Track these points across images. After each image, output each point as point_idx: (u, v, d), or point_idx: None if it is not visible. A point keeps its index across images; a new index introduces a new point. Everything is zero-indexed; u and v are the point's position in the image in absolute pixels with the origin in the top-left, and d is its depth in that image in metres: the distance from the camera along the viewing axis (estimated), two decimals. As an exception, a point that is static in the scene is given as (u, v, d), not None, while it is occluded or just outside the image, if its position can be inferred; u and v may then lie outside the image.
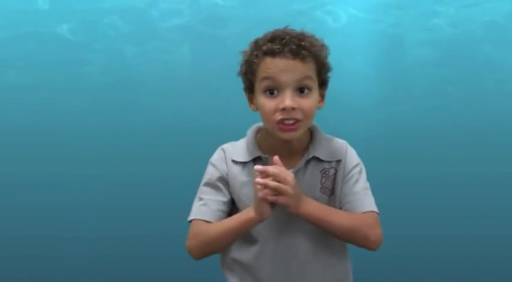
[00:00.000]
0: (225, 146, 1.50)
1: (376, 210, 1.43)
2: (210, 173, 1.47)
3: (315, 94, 1.35)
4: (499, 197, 3.04)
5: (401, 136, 3.10)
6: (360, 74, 3.05)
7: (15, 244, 3.04)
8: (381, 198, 2.87)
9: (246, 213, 1.33)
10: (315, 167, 1.42)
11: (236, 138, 1.51)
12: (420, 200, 3.05)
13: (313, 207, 1.34)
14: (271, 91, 1.33)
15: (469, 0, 3.05)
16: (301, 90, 1.33)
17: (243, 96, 1.46)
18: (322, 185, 1.42)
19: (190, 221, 1.44)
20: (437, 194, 3.05)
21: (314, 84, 1.34)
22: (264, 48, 1.33)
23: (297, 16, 3.00)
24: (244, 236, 1.40)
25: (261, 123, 1.45)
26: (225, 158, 1.47)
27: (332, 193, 1.42)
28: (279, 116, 1.32)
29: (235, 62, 1.42)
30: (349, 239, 1.39)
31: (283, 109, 1.30)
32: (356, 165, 1.45)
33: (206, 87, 2.95)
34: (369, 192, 1.45)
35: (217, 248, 1.41)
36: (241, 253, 1.44)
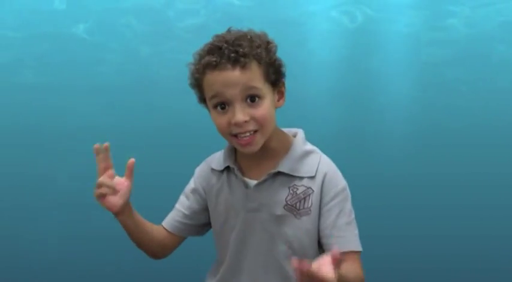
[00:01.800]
0: (211, 156, 1.51)
1: (358, 248, 1.34)
2: (190, 182, 1.52)
3: (267, 99, 1.28)
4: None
5: (414, 136, 3.09)
6: (375, 73, 3.06)
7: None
8: (391, 199, 2.91)
9: None
10: (283, 182, 1.34)
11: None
12: (432, 200, 3.05)
13: None
14: (221, 106, 1.28)
15: (484, 0, 3.05)
16: (251, 99, 1.26)
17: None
18: (286, 202, 1.33)
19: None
20: (450, 194, 3.05)
21: (263, 90, 1.27)
22: (203, 62, 1.27)
23: (313, 16, 3.00)
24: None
25: None
26: (207, 169, 1.48)
27: (305, 215, 1.33)
28: (233, 131, 1.28)
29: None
30: None
31: (236, 124, 1.26)
32: (340, 192, 1.34)
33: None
34: (352, 226, 1.35)
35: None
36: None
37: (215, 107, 1.29)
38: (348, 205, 1.35)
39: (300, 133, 1.41)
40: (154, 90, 3.06)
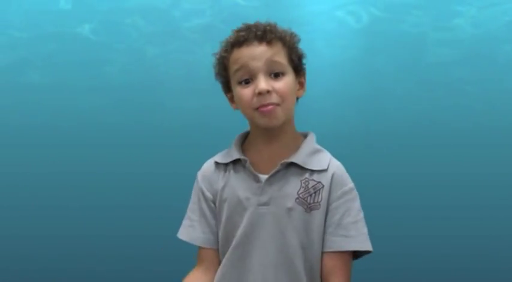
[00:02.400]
0: (213, 156, 1.48)
1: (366, 248, 1.34)
2: (195, 188, 1.46)
3: (289, 77, 1.34)
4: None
5: (420, 135, 3.09)
6: (381, 73, 3.05)
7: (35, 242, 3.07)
8: (398, 198, 2.91)
9: None
10: (295, 174, 1.36)
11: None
12: (438, 200, 3.04)
13: None
14: (246, 80, 1.33)
15: (491, 0, 3.04)
16: (275, 75, 1.32)
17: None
18: (299, 195, 1.34)
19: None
20: (456, 194, 3.05)
21: (286, 67, 1.34)
22: (231, 39, 1.35)
23: (318, 16, 3.00)
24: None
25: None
26: (210, 168, 1.45)
27: (315, 209, 1.34)
28: (256, 103, 1.31)
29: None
30: None
31: (259, 94, 1.30)
32: (348, 192, 1.36)
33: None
34: (359, 225, 1.35)
35: None
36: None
37: (239, 82, 1.34)
38: (356, 205, 1.36)
39: (312, 134, 1.44)
40: (159, 90, 3.06)
